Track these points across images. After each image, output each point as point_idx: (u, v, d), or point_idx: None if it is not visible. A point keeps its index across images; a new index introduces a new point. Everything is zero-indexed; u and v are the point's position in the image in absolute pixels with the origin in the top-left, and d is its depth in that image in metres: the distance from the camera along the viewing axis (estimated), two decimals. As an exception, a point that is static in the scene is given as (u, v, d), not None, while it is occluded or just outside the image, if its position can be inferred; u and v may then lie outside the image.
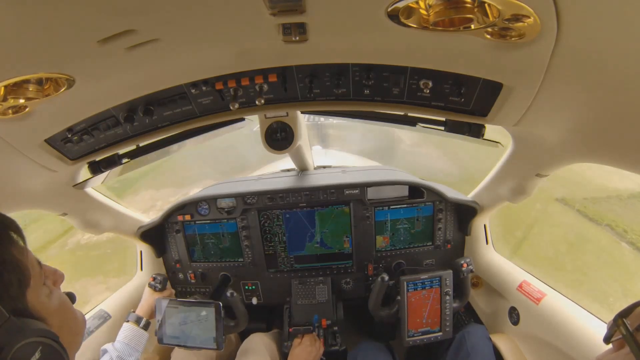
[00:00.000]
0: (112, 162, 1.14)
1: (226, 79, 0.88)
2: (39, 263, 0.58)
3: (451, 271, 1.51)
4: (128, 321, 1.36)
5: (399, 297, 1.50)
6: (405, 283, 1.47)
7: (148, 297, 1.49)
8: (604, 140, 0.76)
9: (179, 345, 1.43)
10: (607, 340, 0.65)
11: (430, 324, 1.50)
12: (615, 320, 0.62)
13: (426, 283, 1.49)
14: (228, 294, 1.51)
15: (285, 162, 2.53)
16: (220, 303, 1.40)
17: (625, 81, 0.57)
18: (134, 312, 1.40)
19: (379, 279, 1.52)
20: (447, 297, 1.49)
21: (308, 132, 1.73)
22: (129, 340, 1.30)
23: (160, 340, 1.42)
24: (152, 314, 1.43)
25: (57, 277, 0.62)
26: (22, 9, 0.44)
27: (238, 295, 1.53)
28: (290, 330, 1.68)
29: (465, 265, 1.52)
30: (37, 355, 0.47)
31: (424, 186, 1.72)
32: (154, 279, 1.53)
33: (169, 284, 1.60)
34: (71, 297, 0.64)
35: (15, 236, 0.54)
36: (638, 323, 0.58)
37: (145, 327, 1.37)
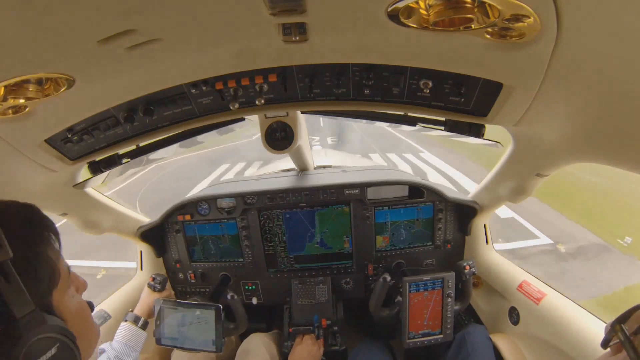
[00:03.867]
0: (112, 162, 1.14)
1: (226, 79, 0.88)
2: (69, 269, 0.60)
3: (454, 273, 1.50)
4: (126, 321, 1.35)
5: (399, 298, 1.50)
6: (407, 284, 1.46)
7: (146, 297, 1.48)
8: (604, 140, 0.76)
9: (176, 347, 1.42)
10: (604, 345, 0.66)
11: (431, 326, 1.50)
12: (612, 325, 0.62)
13: (428, 285, 1.48)
14: (228, 296, 1.50)
15: (285, 162, 2.53)
16: (221, 306, 1.39)
17: (625, 81, 0.57)
18: (132, 311, 1.40)
19: (381, 279, 1.52)
20: (449, 300, 1.48)
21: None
22: (127, 339, 1.29)
23: (158, 341, 1.41)
24: (150, 313, 1.43)
25: (80, 285, 0.65)
26: (22, 9, 0.43)
27: (239, 297, 1.52)
28: (290, 330, 1.68)
29: (467, 267, 1.52)
30: (53, 350, 0.48)
31: (424, 186, 1.72)
32: (154, 279, 1.52)
33: (168, 285, 1.60)
34: (90, 305, 0.66)
35: (53, 238, 0.57)
36: (635, 327, 0.58)
37: (144, 326, 1.36)
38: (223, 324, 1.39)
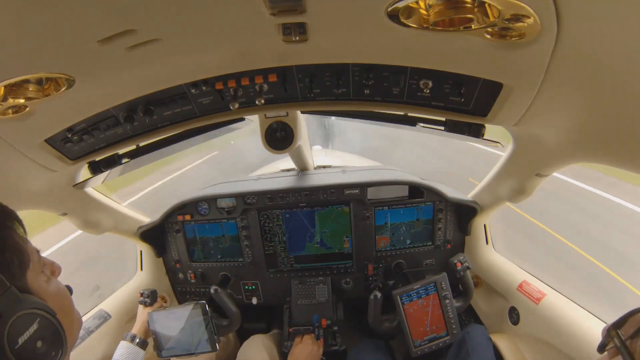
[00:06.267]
0: (112, 162, 1.14)
1: (226, 79, 0.88)
2: (38, 252, 0.60)
3: (445, 274, 1.48)
4: (125, 340, 1.37)
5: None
6: (398, 297, 1.43)
7: (141, 314, 1.48)
8: (604, 140, 0.76)
9: (178, 356, 1.42)
10: (601, 349, 0.66)
11: (435, 330, 1.46)
12: (608, 331, 0.62)
13: (421, 292, 1.45)
14: (212, 290, 1.47)
15: (285, 162, 2.53)
16: (204, 301, 1.38)
17: (625, 81, 0.57)
18: (130, 332, 1.40)
19: (372, 296, 1.50)
20: (447, 301, 1.46)
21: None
22: (125, 358, 1.31)
23: (159, 355, 1.42)
24: (147, 331, 1.43)
25: (55, 268, 0.64)
26: (22, 9, 0.44)
27: (223, 290, 1.49)
28: (290, 330, 1.68)
29: (459, 264, 1.50)
30: (35, 326, 0.49)
31: (424, 186, 1.72)
32: (142, 294, 1.50)
33: (164, 293, 1.58)
34: (69, 289, 0.66)
35: (17, 224, 0.57)
36: (631, 332, 0.59)
37: (141, 344, 1.37)
38: (212, 320, 1.39)
